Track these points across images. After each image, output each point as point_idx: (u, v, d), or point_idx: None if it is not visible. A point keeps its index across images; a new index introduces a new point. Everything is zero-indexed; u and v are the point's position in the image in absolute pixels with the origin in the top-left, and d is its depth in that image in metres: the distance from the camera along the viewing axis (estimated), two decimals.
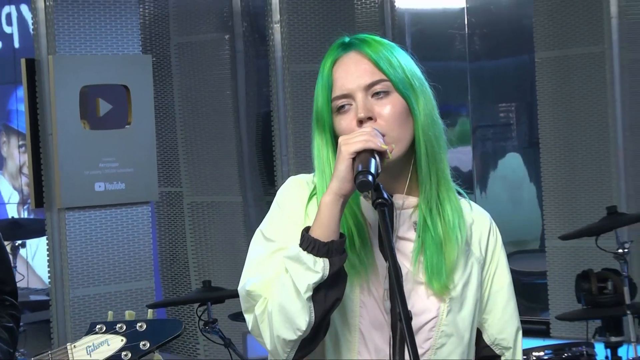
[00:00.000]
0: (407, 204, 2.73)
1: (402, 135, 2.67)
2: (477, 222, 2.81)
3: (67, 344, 2.89)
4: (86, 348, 2.88)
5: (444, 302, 2.70)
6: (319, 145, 2.74)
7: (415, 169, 2.72)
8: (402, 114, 2.68)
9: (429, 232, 2.70)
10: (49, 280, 6.60)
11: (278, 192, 2.81)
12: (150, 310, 2.98)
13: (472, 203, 2.85)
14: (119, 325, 2.88)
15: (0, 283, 3.34)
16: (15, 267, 8.50)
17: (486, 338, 2.80)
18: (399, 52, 2.74)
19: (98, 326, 2.90)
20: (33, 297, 9.30)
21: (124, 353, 2.87)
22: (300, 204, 2.74)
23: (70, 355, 2.89)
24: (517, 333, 2.81)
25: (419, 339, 2.66)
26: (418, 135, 2.69)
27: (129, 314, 2.90)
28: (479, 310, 2.77)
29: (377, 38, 2.76)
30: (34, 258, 9.89)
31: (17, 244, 8.66)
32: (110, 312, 2.93)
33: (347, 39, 2.75)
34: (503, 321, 2.80)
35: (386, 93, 2.67)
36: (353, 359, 2.69)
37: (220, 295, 5.85)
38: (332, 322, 2.66)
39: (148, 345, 2.87)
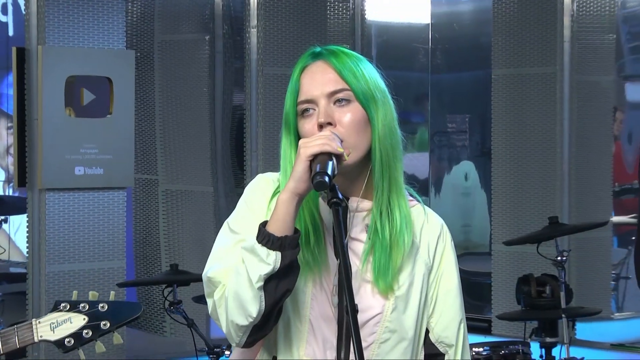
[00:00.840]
0: (361, 207, 2.73)
1: (359, 142, 2.68)
2: (428, 227, 2.81)
3: (32, 320, 2.89)
4: (50, 324, 2.87)
5: (389, 300, 2.70)
6: (285, 145, 2.74)
7: (371, 175, 2.73)
8: (361, 122, 2.68)
9: (378, 235, 2.70)
10: (27, 254, 6.58)
11: (246, 188, 2.82)
12: (112, 292, 2.97)
13: (427, 208, 2.84)
14: (82, 305, 2.87)
15: None
16: None
17: (431, 336, 2.78)
18: (365, 65, 2.74)
19: (62, 304, 2.88)
20: (13, 269, 9.27)
21: (85, 331, 2.86)
22: (264, 200, 2.74)
23: (34, 331, 2.88)
24: (459, 331, 2.80)
25: (363, 332, 2.67)
26: (375, 144, 2.69)
27: (92, 295, 2.89)
28: (425, 310, 2.77)
29: (346, 50, 2.76)
30: (16, 233, 9.84)
31: (0, 220, 8.62)
32: (75, 292, 2.92)
33: (317, 49, 2.75)
34: (448, 320, 2.79)
35: (347, 101, 2.68)
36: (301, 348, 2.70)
37: (186, 278, 5.84)
38: (285, 311, 2.67)
39: (108, 325, 2.86)
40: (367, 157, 2.71)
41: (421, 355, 2.77)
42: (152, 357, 7.07)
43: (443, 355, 2.79)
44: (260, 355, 2.76)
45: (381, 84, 2.74)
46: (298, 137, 2.70)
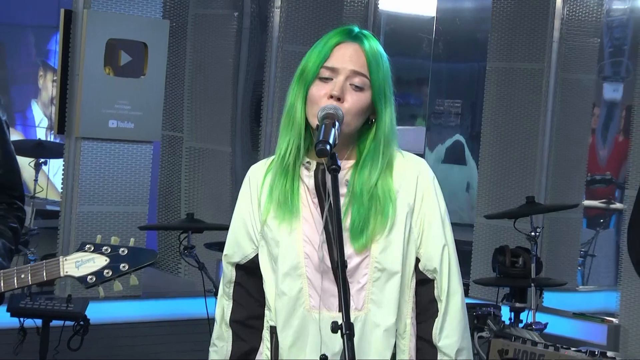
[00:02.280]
0: (343, 166, 2.70)
1: (355, 121, 2.69)
2: (406, 171, 2.77)
3: (60, 257, 2.88)
4: (75, 262, 2.86)
5: (374, 243, 2.69)
6: (295, 95, 2.74)
7: (356, 146, 2.74)
8: (364, 108, 2.69)
9: (356, 198, 2.69)
10: (62, 194, 6.58)
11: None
12: (132, 239, 2.97)
13: (405, 153, 2.82)
14: (104, 248, 2.87)
15: (10, 189, 3.29)
16: (37, 180, 8.48)
17: (420, 265, 2.75)
18: (386, 61, 2.75)
19: (87, 246, 2.88)
20: (49, 207, 9.27)
21: (105, 271, 2.86)
22: (254, 191, 2.81)
23: (61, 266, 2.87)
24: (442, 257, 2.74)
25: (357, 275, 2.69)
26: (380, 134, 2.71)
27: (114, 239, 2.89)
28: (410, 244, 2.74)
29: (378, 42, 2.77)
30: (55, 175, 9.86)
31: (40, 162, 8.63)
32: (99, 236, 2.91)
33: (356, 29, 2.75)
34: (432, 249, 2.75)
35: (361, 89, 2.68)
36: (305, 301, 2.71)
37: (200, 226, 5.83)
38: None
39: (127, 267, 2.86)
40: (355, 133, 2.72)
41: (412, 284, 2.75)
42: (166, 295, 7.07)
43: (432, 280, 2.75)
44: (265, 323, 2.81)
45: (391, 81, 2.76)
46: (306, 94, 2.71)
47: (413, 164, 2.79)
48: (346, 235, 2.67)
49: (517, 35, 7.16)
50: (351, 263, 2.66)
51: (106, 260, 2.85)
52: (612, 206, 8.76)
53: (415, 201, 2.76)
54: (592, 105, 7.63)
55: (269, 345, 2.76)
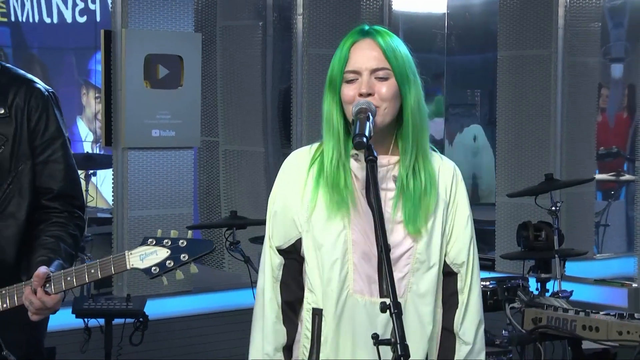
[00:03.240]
0: (389, 162, 2.72)
1: (390, 110, 2.68)
2: (443, 170, 2.79)
3: (125, 251, 2.89)
4: (139, 255, 2.87)
5: (418, 236, 2.69)
6: (329, 103, 2.74)
7: (397, 139, 2.73)
8: (394, 95, 2.68)
9: (404, 188, 2.70)
10: (113, 202, 6.59)
11: (282, 166, 2.85)
12: (189, 232, 2.97)
13: (442, 156, 2.84)
14: (165, 241, 2.88)
15: (72, 198, 3.31)
16: (87, 191, 8.52)
17: (447, 259, 2.77)
18: (403, 47, 2.75)
19: (149, 240, 2.89)
20: (100, 215, 9.31)
21: (167, 262, 2.86)
22: (301, 173, 2.77)
23: (127, 260, 2.88)
24: (469, 251, 2.78)
25: (399, 264, 2.69)
26: (407, 116, 2.71)
27: (173, 233, 2.90)
28: (444, 238, 2.76)
29: (389, 32, 2.76)
30: (102, 185, 9.89)
31: (89, 173, 8.66)
32: (159, 230, 2.92)
33: (366, 27, 2.75)
34: (461, 244, 2.78)
35: (386, 79, 2.67)
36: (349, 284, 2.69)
37: (243, 222, 5.84)
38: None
39: (187, 257, 2.86)
40: (393, 123, 2.71)
41: (441, 276, 2.77)
42: (214, 288, 7.07)
43: (456, 274, 2.78)
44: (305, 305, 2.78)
45: (413, 65, 2.74)
46: (340, 98, 2.70)
47: (449, 165, 2.82)
48: (401, 225, 2.68)
49: (525, 24, 7.13)
50: (395, 253, 2.67)
51: (167, 252, 2.86)
52: (622, 178, 8.73)
53: (450, 198, 2.78)
54: (598, 85, 7.60)
55: (309, 327, 2.74)
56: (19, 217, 3.22)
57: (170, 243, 2.87)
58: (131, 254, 2.88)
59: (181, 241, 2.87)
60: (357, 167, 2.71)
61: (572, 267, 6.80)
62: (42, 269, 2.98)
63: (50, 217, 3.25)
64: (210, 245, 2.90)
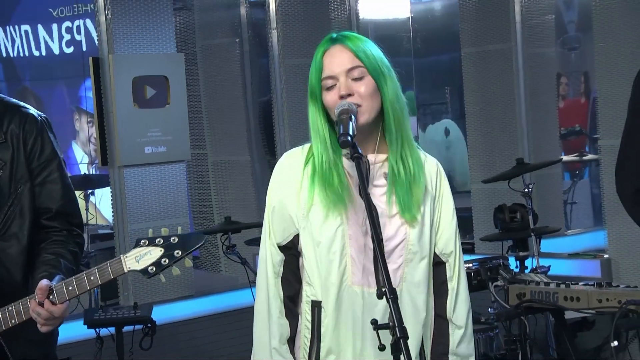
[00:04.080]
0: (377, 160, 2.70)
1: (371, 107, 2.64)
2: (428, 165, 2.78)
3: (121, 255, 2.84)
4: (135, 257, 2.82)
5: (411, 228, 2.68)
6: (313, 113, 2.71)
7: (382, 135, 2.70)
8: (373, 92, 2.65)
9: (396, 178, 2.67)
10: (113, 218, 6.55)
11: (275, 167, 2.80)
12: (179, 227, 2.94)
13: (425, 153, 2.82)
14: (157, 240, 2.82)
15: (71, 216, 3.26)
16: (87, 209, 8.48)
17: (436, 250, 2.77)
18: (372, 45, 2.71)
19: (142, 241, 2.83)
20: (101, 231, 9.27)
21: (163, 260, 2.81)
22: (297, 172, 2.73)
23: (123, 263, 2.84)
24: (456, 241, 2.78)
25: (394, 256, 2.68)
26: (387, 108, 2.68)
27: (164, 230, 2.84)
28: (433, 230, 2.75)
29: (357, 34, 2.73)
30: (100, 203, 9.85)
31: (88, 193, 8.62)
32: (150, 230, 2.87)
33: (334, 35, 2.72)
34: (448, 235, 2.77)
35: (361, 78, 2.64)
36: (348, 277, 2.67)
37: (238, 227, 5.82)
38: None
39: (180, 253, 2.81)
40: (377, 121, 2.68)
41: (431, 266, 2.76)
42: (214, 291, 7.04)
43: (445, 263, 2.77)
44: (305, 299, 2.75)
45: (385, 60, 2.71)
46: (323, 105, 2.67)
47: (432, 160, 2.81)
48: (396, 217, 2.67)
49: (484, 21, 7.13)
50: (389, 245, 2.65)
51: (161, 250, 2.80)
52: (585, 158, 8.78)
53: (436, 191, 2.77)
54: (557, 74, 7.62)
55: (309, 318, 2.71)
56: (22, 237, 3.16)
57: (162, 241, 2.81)
58: (127, 257, 2.83)
59: (172, 238, 2.81)
60: (349, 166, 2.68)
61: (547, 244, 6.80)
62: (44, 282, 2.93)
63: (50, 235, 3.20)
64: (201, 238, 2.84)
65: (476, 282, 5.13)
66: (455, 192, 8.46)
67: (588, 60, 8.53)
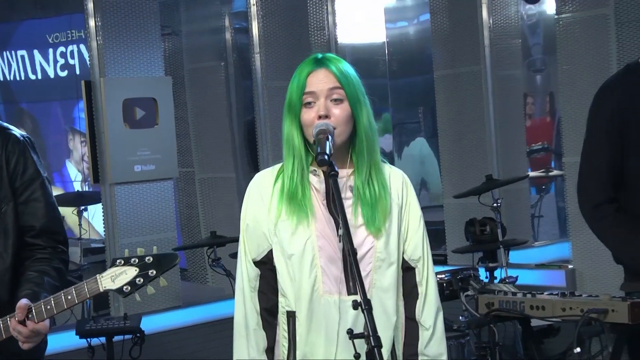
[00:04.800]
0: (346, 175, 2.72)
1: (345, 130, 2.67)
2: (394, 177, 2.79)
3: (97, 275, 2.80)
4: (110, 277, 2.78)
5: (377, 237, 2.69)
6: (289, 127, 2.72)
7: (351, 154, 2.72)
8: (348, 116, 2.67)
9: (361, 195, 2.69)
10: (104, 232, 6.52)
11: (247, 189, 2.80)
12: (154, 247, 2.91)
13: (392, 165, 2.84)
14: (133, 259, 2.79)
15: (54, 234, 3.19)
16: (80, 225, 8.44)
17: (405, 256, 2.77)
18: (352, 71, 2.73)
19: (118, 260, 2.80)
20: (93, 245, 9.22)
21: (137, 279, 2.77)
22: (266, 192, 2.74)
23: (99, 283, 2.80)
24: (423, 247, 2.78)
25: (362, 264, 2.68)
26: (361, 134, 2.71)
27: (139, 251, 2.81)
28: (400, 237, 2.75)
29: (339, 58, 2.76)
30: (93, 218, 9.80)
31: (81, 209, 8.57)
32: (126, 250, 2.84)
33: (319, 56, 2.73)
34: (416, 241, 2.78)
35: (340, 101, 2.66)
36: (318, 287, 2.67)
37: (223, 241, 5.78)
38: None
39: (155, 272, 2.77)
40: (348, 141, 2.70)
41: (401, 271, 2.77)
42: (201, 302, 7.01)
43: (414, 268, 2.77)
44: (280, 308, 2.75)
45: (362, 87, 2.74)
46: (299, 120, 2.69)
47: (398, 173, 2.82)
48: (362, 229, 2.67)
49: (455, 45, 7.16)
50: (358, 254, 2.63)
51: (136, 270, 2.76)
52: (551, 174, 8.80)
53: (403, 202, 2.77)
54: (523, 95, 7.66)
55: (285, 328, 2.72)
56: (6, 257, 3.09)
57: (137, 261, 2.78)
58: (102, 276, 2.78)
59: (147, 258, 2.78)
60: (316, 181, 2.71)
61: (515, 255, 6.80)
62: (23, 301, 2.87)
63: (34, 253, 3.13)
64: (175, 258, 2.82)
65: (448, 292, 5.10)
66: (428, 206, 8.48)
67: (553, 81, 8.58)
